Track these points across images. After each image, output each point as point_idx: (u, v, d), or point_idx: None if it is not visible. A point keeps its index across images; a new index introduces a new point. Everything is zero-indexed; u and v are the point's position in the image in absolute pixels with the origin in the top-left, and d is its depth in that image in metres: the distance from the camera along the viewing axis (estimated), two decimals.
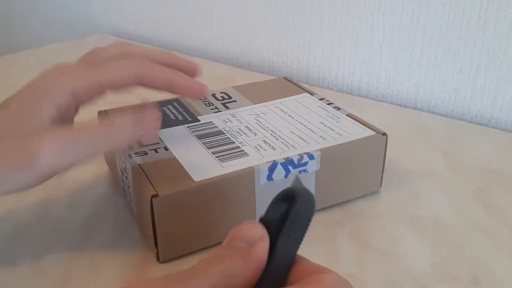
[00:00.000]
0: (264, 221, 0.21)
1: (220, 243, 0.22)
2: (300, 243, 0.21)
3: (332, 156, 0.38)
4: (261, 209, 0.35)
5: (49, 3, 1.02)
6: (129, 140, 0.32)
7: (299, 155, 0.36)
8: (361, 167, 0.40)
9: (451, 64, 0.55)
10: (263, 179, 0.35)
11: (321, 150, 0.37)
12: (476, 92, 0.55)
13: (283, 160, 0.35)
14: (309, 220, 0.21)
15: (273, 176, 0.35)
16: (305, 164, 0.36)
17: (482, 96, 0.55)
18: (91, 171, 0.45)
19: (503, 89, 0.53)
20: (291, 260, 0.21)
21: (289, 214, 0.21)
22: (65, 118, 0.32)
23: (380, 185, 0.41)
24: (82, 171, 0.44)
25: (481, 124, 0.54)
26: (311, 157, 0.36)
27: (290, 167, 0.36)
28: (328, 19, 0.62)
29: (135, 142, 0.34)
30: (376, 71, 0.60)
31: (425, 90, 0.58)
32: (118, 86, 0.33)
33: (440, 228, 0.38)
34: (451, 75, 0.56)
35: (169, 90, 0.35)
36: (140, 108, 0.31)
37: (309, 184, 0.37)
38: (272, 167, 0.35)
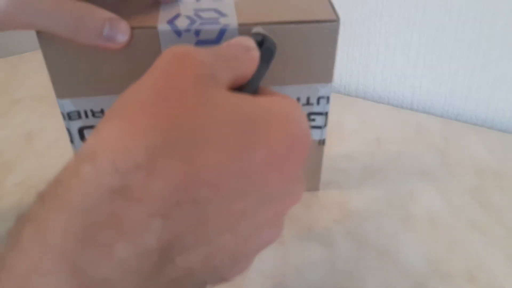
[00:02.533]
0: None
1: None
2: (264, 74, 0.27)
3: None
4: (166, 18, 0.33)
5: None
6: (91, 40, 0.30)
7: None
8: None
9: (447, 66, 0.56)
10: None
11: None
12: (471, 93, 0.56)
13: None
14: (272, 56, 0.28)
15: None
16: None
17: (478, 97, 0.55)
18: None
19: (498, 90, 0.54)
20: (262, 77, 0.27)
21: (261, 48, 0.27)
22: None
23: (337, 17, 0.33)
24: None
25: (476, 125, 0.54)
26: None
27: None
28: None
29: (95, 44, 0.31)
30: (373, 73, 0.61)
31: (421, 91, 0.59)
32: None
33: (437, 226, 0.39)
34: (447, 76, 0.56)
35: None
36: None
37: (228, 8, 0.34)
38: None
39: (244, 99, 0.22)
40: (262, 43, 0.28)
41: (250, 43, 0.26)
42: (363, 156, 0.47)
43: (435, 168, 0.46)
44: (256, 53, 0.26)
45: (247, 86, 0.26)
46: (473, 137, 0.50)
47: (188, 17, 0.32)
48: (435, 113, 0.58)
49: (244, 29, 0.32)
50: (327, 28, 0.32)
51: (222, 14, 0.32)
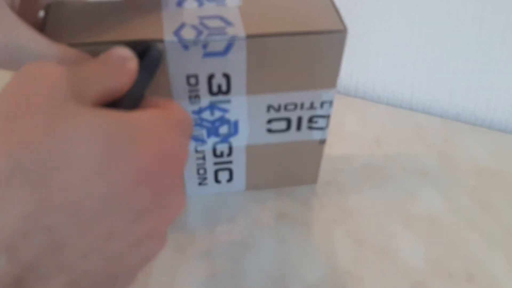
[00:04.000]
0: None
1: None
2: (147, 84, 0.27)
3: None
4: (171, 28, 0.32)
5: None
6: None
7: None
8: (296, 4, 0.34)
9: (446, 66, 0.56)
10: (171, 4, 0.33)
11: None
12: (471, 93, 0.56)
13: None
14: (158, 66, 0.28)
15: (183, 4, 0.33)
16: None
17: (477, 97, 0.55)
18: None
19: (498, 90, 0.54)
20: (141, 96, 0.26)
21: (145, 57, 0.27)
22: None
23: (344, 27, 0.33)
24: None
25: (475, 125, 0.54)
26: None
27: (204, 0, 0.34)
28: None
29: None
30: (372, 73, 0.61)
31: (420, 91, 0.59)
32: None
33: (436, 226, 0.39)
34: (446, 76, 0.56)
35: None
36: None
37: (233, 15, 0.33)
38: None
39: (108, 116, 0.21)
40: (146, 51, 0.27)
41: (126, 53, 0.25)
42: (362, 156, 0.47)
43: (434, 168, 0.46)
44: (132, 64, 0.25)
45: (125, 99, 0.24)
46: (472, 137, 0.50)
47: (194, 26, 0.31)
48: (434, 113, 0.59)
49: (252, 42, 0.31)
50: (334, 38, 0.32)
51: (228, 23, 0.32)
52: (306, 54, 0.33)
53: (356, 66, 0.62)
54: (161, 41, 0.30)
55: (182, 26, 0.31)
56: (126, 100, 0.25)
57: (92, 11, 0.32)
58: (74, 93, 0.20)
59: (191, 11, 0.33)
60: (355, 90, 0.63)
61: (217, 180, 0.41)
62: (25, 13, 0.30)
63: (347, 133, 0.50)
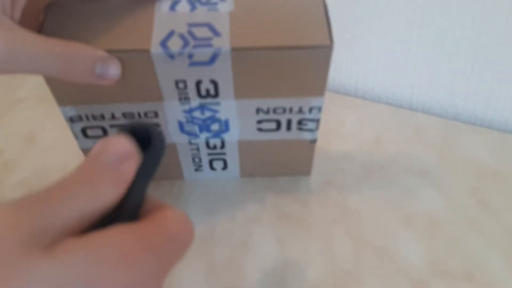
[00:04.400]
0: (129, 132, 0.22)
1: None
2: (149, 183, 0.22)
3: (250, 0, 0.33)
4: (159, 37, 0.32)
5: None
6: (83, 79, 0.30)
7: None
8: (288, 14, 0.33)
9: (446, 66, 0.56)
10: (164, 7, 0.33)
11: None
12: (470, 93, 0.56)
13: None
14: (158, 163, 0.22)
15: (176, 7, 0.33)
16: (215, 3, 0.33)
17: (477, 97, 0.56)
18: None
19: (497, 90, 0.54)
20: (142, 199, 0.21)
21: (147, 151, 0.21)
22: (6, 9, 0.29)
23: (331, 41, 0.32)
24: None
25: (475, 125, 0.55)
26: None
27: (197, 4, 0.33)
28: None
29: (88, 82, 0.31)
30: (372, 73, 0.61)
31: (420, 91, 0.59)
32: None
33: (436, 226, 0.39)
34: (446, 76, 0.56)
35: None
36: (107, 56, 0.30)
37: (222, 23, 0.32)
38: (176, 1, 0.33)
39: (62, 261, 0.18)
40: (147, 137, 0.21)
41: (127, 148, 0.21)
42: (362, 156, 0.47)
43: (434, 167, 0.46)
44: (131, 166, 0.21)
45: (121, 211, 0.20)
46: (472, 137, 0.50)
47: (181, 36, 0.32)
48: (434, 113, 0.59)
49: (237, 54, 0.31)
50: (320, 52, 0.32)
51: (215, 33, 0.32)
52: (292, 66, 0.33)
53: (356, 66, 0.62)
54: (147, 51, 0.31)
55: (170, 34, 0.32)
56: (124, 211, 0.20)
57: (88, 13, 0.32)
58: (29, 240, 0.18)
59: (182, 16, 0.33)
60: (355, 90, 0.63)
61: (212, 168, 0.42)
62: (26, 20, 0.31)
63: (347, 133, 0.50)
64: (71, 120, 0.36)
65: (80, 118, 0.36)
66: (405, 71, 0.59)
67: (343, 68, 0.63)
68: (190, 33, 0.32)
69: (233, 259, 0.37)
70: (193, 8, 0.33)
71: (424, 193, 0.43)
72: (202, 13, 0.33)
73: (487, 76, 0.54)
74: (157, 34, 0.31)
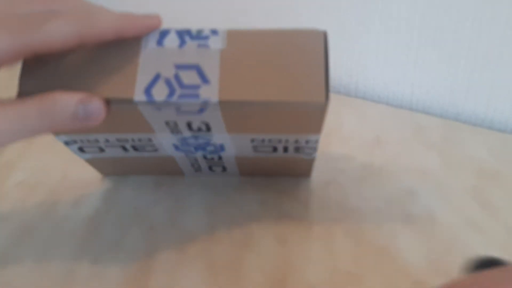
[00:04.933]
0: None
1: None
2: None
3: (244, 37, 0.31)
4: (144, 82, 0.30)
5: None
6: (69, 125, 0.29)
7: (200, 29, 0.32)
8: (283, 58, 0.30)
9: (446, 66, 0.56)
10: (152, 42, 0.31)
11: (230, 30, 0.31)
12: (470, 93, 0.56)
13: (179, 29, 0.31)
14: None
15: (164, 41, 0.31)
16: (206, 37, 0.31)
17: (477, 96, 0.56)
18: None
19: (498, 90, 0.54)
20: None
21: None
22: None
23: (326, 98, 0.30)
24: (86, 169, 0.45)
25: (475, 125, 0.55)
26: (214, 32, 0.31)
27: (187, 38, 0.31)
28: (326, 23, 0.63)
29: (75, 127, 0.30)
30: (372, 73, 0.61)
31: (420, 91, 0.59)
32: (55, 49, 0.29)
33: (436, 225, 0.39)
34: (447, 76, 0.56)
35: (120, 37, 0.31)
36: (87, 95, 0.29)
37: (212, 66, 0.30)
38: (164, 33, 0.31)
39: None
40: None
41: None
42: (362, 156, 0.47)
43: (434, 167, 0.46)
44: None
45: None
46: (472, 137, 0.50)
47: (167, 81, 0.30)
48: (434, 113, 0.59)
49: (226, 105, 0.30)
50: (314, 107, 0.30)
51: (204, 80, 0.30)
52: (285, 114, 0.31)
53: (356, 66, 0.62)
54: (131, 100, 0.30)
55: (156, 78, 0.30)
56: None
57: (69, 59, 0.31)
58: None
59: (169, 53, 0.30)
60: (355, 90, 0.63)
61: (211, 170, 0.43)
62: None
63: (347, 133, 0.50)
64: (66, 143, 0.37)
65: (75, 142, 0.37)
66: (405, 71, 0.59)
67: (343, 68, 0.63)
68: (177, 78, 0.30)
69: (233, 259, 0.37)
70: (182, 42, 0.31)
71: (424, 192, 0.43)
72: (191, 51, 0.30)
73: (488, 76, 0.54)
74: (142, 79, 0.30)
